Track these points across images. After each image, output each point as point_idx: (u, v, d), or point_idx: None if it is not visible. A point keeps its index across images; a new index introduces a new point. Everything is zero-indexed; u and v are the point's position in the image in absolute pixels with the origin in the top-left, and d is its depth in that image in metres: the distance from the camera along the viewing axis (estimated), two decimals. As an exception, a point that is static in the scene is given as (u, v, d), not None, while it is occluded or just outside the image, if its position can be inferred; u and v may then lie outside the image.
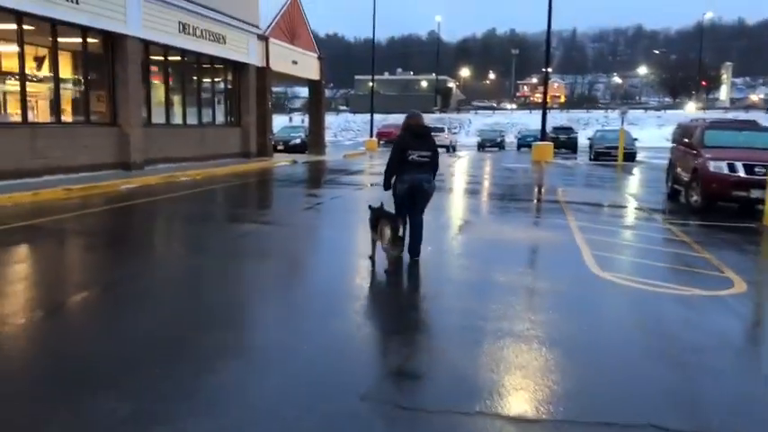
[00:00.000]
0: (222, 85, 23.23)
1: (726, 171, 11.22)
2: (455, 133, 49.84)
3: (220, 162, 20.57)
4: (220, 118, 22.95)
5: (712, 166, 11.41)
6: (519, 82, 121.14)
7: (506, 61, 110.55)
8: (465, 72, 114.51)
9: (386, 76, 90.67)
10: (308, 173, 20.84)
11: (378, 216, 6.61)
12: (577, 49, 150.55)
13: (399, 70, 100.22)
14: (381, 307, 5.69)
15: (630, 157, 27.73)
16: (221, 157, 21.45)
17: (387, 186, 6.98)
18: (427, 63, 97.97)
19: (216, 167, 18.72)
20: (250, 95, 23.46)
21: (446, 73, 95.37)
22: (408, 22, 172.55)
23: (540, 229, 9.87)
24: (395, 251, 6.43)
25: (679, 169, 13.55)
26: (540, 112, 30.22)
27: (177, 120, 19.98)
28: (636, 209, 12.47)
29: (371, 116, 44.44)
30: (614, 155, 27.47)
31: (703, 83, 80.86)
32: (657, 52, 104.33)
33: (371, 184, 16.18)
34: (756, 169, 11.03)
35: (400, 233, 6.49)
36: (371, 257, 6.81)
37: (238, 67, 23.15)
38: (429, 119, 59.32)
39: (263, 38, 24.43)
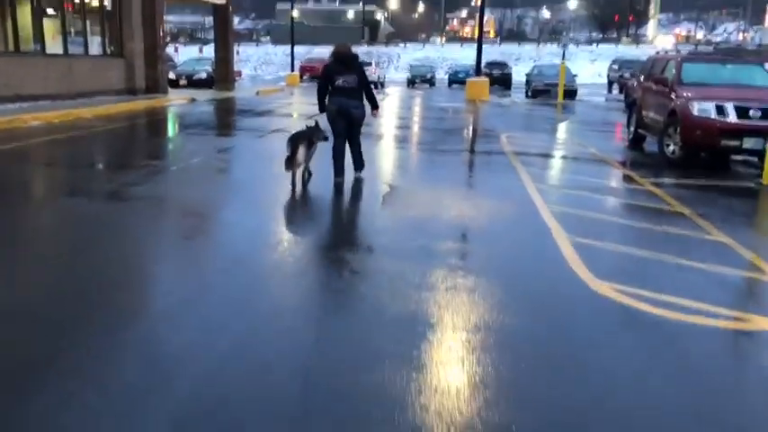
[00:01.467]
0: (97, 5, 18.93)
1: (713, 115, 9.01)
2: (383, 68, 46.22)
3: (96, 101, 16.75)
4: (96, 47, 18.81)
5: (696, 108, 9.19)
6: (448, 15, 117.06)
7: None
8: (393, 4, 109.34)
9: (310, 5, 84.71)
10: (203, 115, 17.16)
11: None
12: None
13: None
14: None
15: (571, 94, 25.67)
16: (98, 94, 17.57)
17: (321, 109, 7.54)
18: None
19: (86, 108, 15.03)
20: (134, 19, 19.25)
21: (374, 3, 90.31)
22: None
23: (491, 198, 7.28)
24: (287, 169, 7.02)
25: (646, 112, 11.24)
26: (472, 46, 27.44)
27: (32, 47, 15.93)
28: (600, 161, 10.07)
29: (292, 48, 40.47)
30: (554, 93, 25.36)
31: (631, 17, 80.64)
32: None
33: (275, 130, 13.13)
34: (751, 112, 8.91)
35: (299, 154, 6.95)
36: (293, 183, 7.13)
37: (117, -16, 18.95)
38: (356, 52, 55.30)
39: (149, -52, 20.10)
